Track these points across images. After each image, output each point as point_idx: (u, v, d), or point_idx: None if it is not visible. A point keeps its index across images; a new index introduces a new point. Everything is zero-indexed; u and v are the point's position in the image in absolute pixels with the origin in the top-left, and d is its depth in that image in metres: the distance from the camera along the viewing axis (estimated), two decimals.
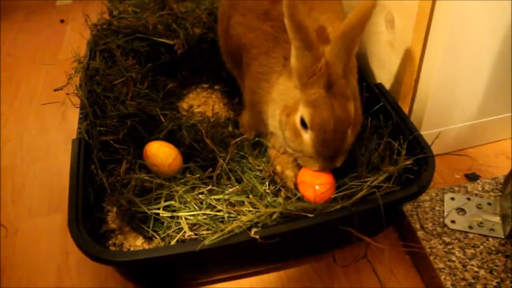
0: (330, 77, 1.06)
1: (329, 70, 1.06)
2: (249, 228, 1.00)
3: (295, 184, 1.21)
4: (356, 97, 1.19)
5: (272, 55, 1.23)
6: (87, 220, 1.09)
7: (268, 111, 1.24)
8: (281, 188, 1.21)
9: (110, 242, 1.18)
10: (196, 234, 1.11)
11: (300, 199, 1.17)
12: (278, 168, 1.26)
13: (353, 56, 1.25)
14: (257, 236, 0.98)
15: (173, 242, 1.11)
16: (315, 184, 1.13)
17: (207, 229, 1.12)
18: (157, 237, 1.14)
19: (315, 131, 1.08)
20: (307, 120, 1.08)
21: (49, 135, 1.92)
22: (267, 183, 1.23)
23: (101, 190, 1.24)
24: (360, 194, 1.07)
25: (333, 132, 1.07)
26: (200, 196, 1.19)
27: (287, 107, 1.15)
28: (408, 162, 1.16)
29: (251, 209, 1.12)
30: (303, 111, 1.09)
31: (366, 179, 1.13)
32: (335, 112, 1.06)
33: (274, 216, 1.05)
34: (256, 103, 1.31)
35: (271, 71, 1.23)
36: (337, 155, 1.13)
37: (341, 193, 1.11)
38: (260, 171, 1.26)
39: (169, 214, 1.16)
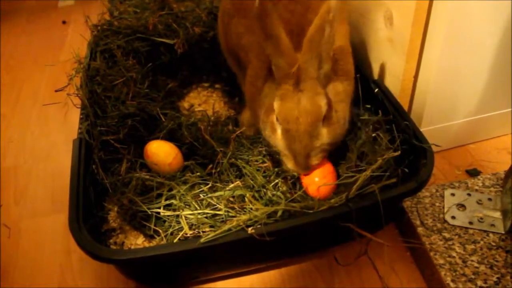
0: (300, 77, 1.08)
1: (299, 72, 1.08)
2: (248, 226, 1.01)
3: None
4: (341, 100, 1.19)
5: (261, 58, 1.24)
6: (88, 220, 1.10)
7: (259, 114, 1.25)
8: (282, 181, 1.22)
9: (111, 241, 1.19)
10: (198, 233, 1.12)
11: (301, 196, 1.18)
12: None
13: (347, 56, 1.29)
14: (254, 234, 0.98)
15: (174, 241, 1.12)
16: (316, 179, 1.14)
17: (209, 227, 1.12)
18: (157, 236, 1.15)
19: (282, 122, 1.10)
20: (276, 113, 1.11)
21: (51, 135, 1.94)
22: (268, 174, 1.23)
23: (102, 190, 1.25)
24: (357, 184, 1.07)
25: (296, 123, 1.08)
26: (200, 195, 1.20)
27: (268, 108, 1.17)
28: (396, 154, 1.16)
29: (251, 206, 1.12)
30: (274, 106, 1.11)
31: (360, 168, 1.13)
32: (301, 104, 1.08)
33: (278, 214, 1.05)
34: (251, 105, 1.33)
35: (258, 77, 1.25)
36: (309, 153, 1.12)
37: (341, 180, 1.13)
38: (260, 163, 1.27)
39: (169, 213, 1.17)
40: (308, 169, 1.14)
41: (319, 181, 1.14)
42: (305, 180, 1.17)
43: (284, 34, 1.07)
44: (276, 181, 1.21)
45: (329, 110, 1.13)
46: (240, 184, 1.19)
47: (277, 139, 1.13)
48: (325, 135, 1.13)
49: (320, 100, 1.10)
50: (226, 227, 1.01)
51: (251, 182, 1.21)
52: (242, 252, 1.17)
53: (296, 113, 1.07)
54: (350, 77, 1.29)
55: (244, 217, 1.04)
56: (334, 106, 1.15)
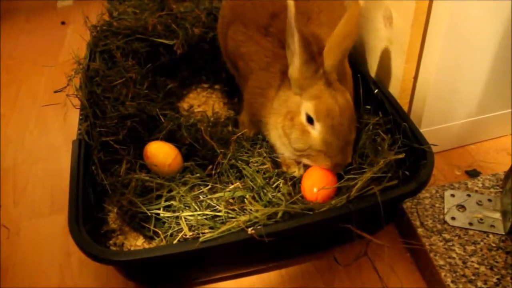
0: (327, 77, 1.13)
1: (326, 73, 1.12)
2: (248, 227, 1.01)
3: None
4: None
5: (271, 70, 1.25)
6: (88, 221, 1.09)
7: (269, 123, 1.26)
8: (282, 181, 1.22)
9: (111, 242, 1.19)
10: (197, 234, 1.12)
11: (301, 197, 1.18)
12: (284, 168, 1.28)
13: (346, 66, 1.32)
14: (254, 234, 0.98)
15: (174, 242, 1.11)
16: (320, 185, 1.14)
17: (209, 228, 1.12)
18: (157, 238, 1.15)
19: (322, 120, 1.11)
20: (312, 113, 1.11)
21: (51, 136, 1.93)
22: (268, 176, 1.23)
23: (101, 191, 1.24)
24: (357, 186, 1.07)
25: (339, 118, 1.11)
26: (200, 196, 1.20)
27: (289, 112, 1.18)
28: (400, 156, 1.16)
29: (251, 207, 1.12)
30: (307, 106, 1.12)
31: (362, 170, 1.13)
32: (339, 101, 1.12)
33: (279, 215, 1.05)
34: (254, 115, 1.34)
35: (269, 87, 1.26)
36: (347, 148, 1.14)
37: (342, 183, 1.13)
38: (260, 164, 1.27)
39: (169, 214, 1.16)
40: (344, 166, 1.17)
41: (317, 186, 1.14)
42: (304, 185, 1.17)
43: (308, 34, 1.09)
44: (277, 183, 1.20)
45: None
46: (240, 185, 1.19)
47: (313, 139, 1.14)
48: (354, 131, 1.18)
49: (350, 97, 1.16)
50: (225, 227, 1.01)
51: (251, 183, 1.20)
52: (242, 253, 1.17)
53: (338, 108, 1.11)
54: (349, 81, 1.33)
55: (243, 218, 1.04)
56: None
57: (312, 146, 1.15)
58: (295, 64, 1.11)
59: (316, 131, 1.13)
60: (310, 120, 1.12)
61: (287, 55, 1.14)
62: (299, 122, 1.15)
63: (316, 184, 1.14)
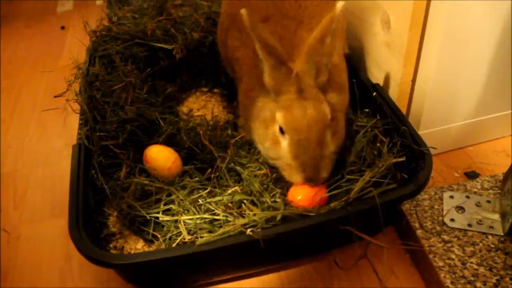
0: (301, 86, 1.09)
1: (298, 81, 1.09)
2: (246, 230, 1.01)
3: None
4: (339, 110, 1.20)
5: (254, 73, 1.24)
6: (88, 224, 1.10)
7: (252, 128, 1.26)
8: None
9: (111, 245, 1.19)
10: (196, 238, 1.12)
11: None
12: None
13: (342, 73, 1.31)
14: (254, 236, 0.99)
15: (173, 246, 1.12)
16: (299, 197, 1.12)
17: (208, 232, 1.12)
18: (156, 241, 1.15)
19: (290, 133, 1.08)
20: (282, 124, 1.09)
21: (51, 141, 1.94)
22: (265, 182, 1.24)
23: (101, 195, 1.25)
24: (357, 188, 1.07)
25: (307, 131, 1.07)
26: (199, 200, 1.20)
27: (265, 120, 1.16)
28: (401, 159, 1.17)
29: (249, 212, 1.12)
30: (278, 116, 1.10)
31: (362, 173, 1.13)
32: (308, 112, 1.07)
33: (278, 218, 1.05)
34: (246, 115, 1.34)
35: (253, 89, 1.26)
36: (320, 162, 1.10)
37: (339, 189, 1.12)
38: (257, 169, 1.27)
39: (168, 218, 1.17)
40: (318, 181, 1.12)
41: (301, 199, 1.11)
42: (291, 195, 1.15)
43: (279, 45, 1.09)
44: (274, 192, 1.20)
45: (331, 118, 1.13)
46: (238, 189, 1.19)
47: (283, 150, 1.11)
48: (331, 144, 1.13)
49: (325, 108, 1.10)
50: (224, 230, 1.01)
51: (249, 188, 1.21)
52: (241, 256, 1.17)
53: (305, 122, 1.07)
54: (345, 92, 1.31)
55: (242, 221, 1.04)
56: (334, 115, 1.16)
57: (282, 158, 1.13)
58: (265, 70, 1.11)
59: (285, 143, 1.10)
60: (282, 130, 1.10)
61: (259, 62, 1.13)
62: (272, 131, 1.13)
63: (300, 197, 1.11)
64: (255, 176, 1.24)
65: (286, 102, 1.09)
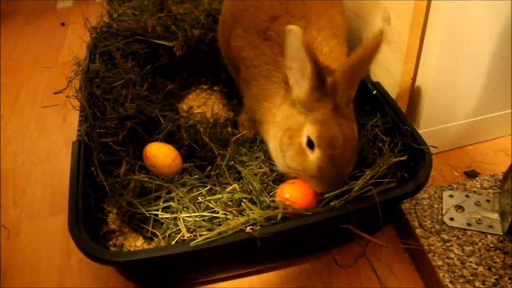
0: (336, 102, 1.07)
1: (335, 97, 1.06)
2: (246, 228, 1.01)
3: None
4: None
5: (272, 79, 1.23)
6: (88, 221, 1.10)
7: (269, 132, 1.24)
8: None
9: (111, 242, 1.19)
10: (195, 236, 1.12)
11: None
12: None
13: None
14: (254, 234, 0.99)
15: (173, 243, 1.12)
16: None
17: (207, 230, 1.12)
18: (155, 238, 1.15)
19: (323, 147, 1.06)
20: (314, 138, 1.07)
21: (51, 137, 1.94)
22: (265, 180, 1.23)
23: (101, 192, 1.25)
24: (357, 187, 1.07)
25: (342, 149, 1.06)
26: (199, 197, 1.20)
27: (289, 129, 1.14)
28: (402, 158, 1.16)
29: (248, 211, 1.12)
30: (310, 130, 1.07)
31: (361, 173, 1.13)
32: (344, 130, 1.06)
33: (279, 217, 1.05)
34: (256, 120, 1.33)
35: (274, 94, 1.23)
36: (341, 179, 1.10)
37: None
38: (258, 168, 1.27)
39: (167, 216, 1.17)
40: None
41: (289, 197, 1.11)
42: (279, 192, 1.16)
43: (319, 59, 1.04)
44: (274, 191, 1.20)
45: None
46: (237, 187, 1.19)
47: (310, 163, 1.09)
48: (352, 162, 1.13)
49: (356, 127, 1.11)
50: (223, 228, 1.01)
51: (249, 186, 1.21)
52: (241, 254, 1.17)
53: (341, 138, 1.05)
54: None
55: (242, 219, 1.04)
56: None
57: (306, 169, 1.11)
58: (304, 88, 1.06)
59: (314, 156, 1.08)
60: (310, 143, 1.08)
61: (288, 75, 1.10)
62: (298, 142, 1.11)
63: (288, 195, 1.12)
64: (255, 174, 1.24)
65: (321, 116, 1.07)
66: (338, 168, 1.08)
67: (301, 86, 1.08)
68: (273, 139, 1.22)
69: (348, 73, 1.06)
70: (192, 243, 0.99)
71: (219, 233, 1.01)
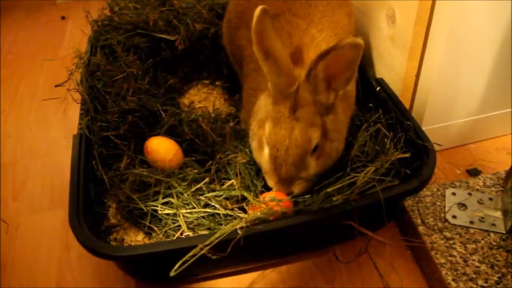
0: (298, 101, 1.04)
1: (298, 94, 1.04)
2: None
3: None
4: (338, 130, 1.15)
5: (260, 73, 1.21)
6: (88, 216, 1.09)
7: (250, 123, 1.24)
8: None
9: (111, 237, 1.18)
10: (195, 232, 1.12)
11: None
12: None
13: (350, 93, 1.28)
14: (255, 231, 0.98)
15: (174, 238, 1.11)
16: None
17: (207, 228, 1.12)
18: (153, 234, 1.14)
19: (269, 147, 1.07)
20: (264, 136, 1.09)
21: (51, 131, 1.92)
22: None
23: (102, 186, 1.24)
24: (359, 182, 1.06)
25: (285, 154, 1.05)
26: (198, 193, 1.19)
27: (261, 120, 1.14)
28: (406, 155, 1.15)
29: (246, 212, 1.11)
30: (266, 126, 1.09)
31: (364, 169, 1.12)
32: (293, 135, 1.04)
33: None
34: (248, 113, 1.32)
35: (259, 88, 1.24)
36: (293, 180, 1.09)
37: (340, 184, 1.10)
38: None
39: (167, 211, 1.16)
40: (290, 193, 1.11)
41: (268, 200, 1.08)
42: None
43: (284, 53, 1.03)
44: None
45: (324, 140, 1.10)
46: (235, 182, 1.18)
47: (263, 157, 1.11)
48: (312, 167, 1.10)
49: (313, 133, 1.06)
50: (221, 230, 0.99)
51: (249, 182, 1.20)
52: (242, 250, 1.16)
53: (286, 143, 1.04)
54: (351, 101, 1.30)
55: (243, 215, 1.03)
56: (331, 136, 1.11)
57: (261, 163, 1.13)
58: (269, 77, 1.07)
59: (266, 152, 1.10)
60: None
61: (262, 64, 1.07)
62: (260, 134, 1.12)
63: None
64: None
65: (276, 115, 1.06)
66: (282, 172, 1.07)
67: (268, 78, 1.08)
68: (250, 129, 1.23)
69: (310, 77, 1.03)
70: (201, 244, 0.98)
71: (221, 230, 1.00)
